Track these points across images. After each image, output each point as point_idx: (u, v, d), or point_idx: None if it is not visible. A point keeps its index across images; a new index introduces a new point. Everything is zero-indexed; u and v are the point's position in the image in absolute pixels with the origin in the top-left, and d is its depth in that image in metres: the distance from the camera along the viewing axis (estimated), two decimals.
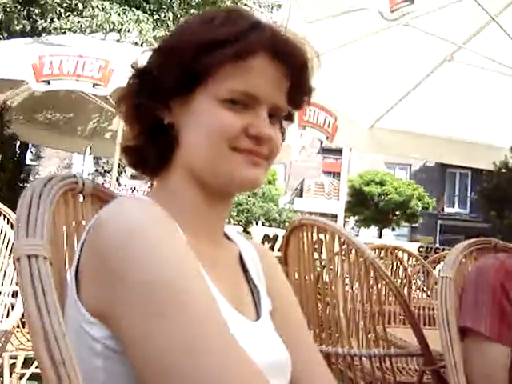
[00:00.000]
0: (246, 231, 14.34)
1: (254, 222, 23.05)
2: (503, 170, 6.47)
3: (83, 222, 1.07)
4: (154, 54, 1.03)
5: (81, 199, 1.09)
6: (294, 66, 1.00)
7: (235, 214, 22.64)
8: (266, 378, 0.79)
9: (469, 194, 33.63)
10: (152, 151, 1.02)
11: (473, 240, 1.84)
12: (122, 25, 9.32)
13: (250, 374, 0.77)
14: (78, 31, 9.24)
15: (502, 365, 1.47)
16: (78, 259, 0.88)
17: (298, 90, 1.04)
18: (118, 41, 7.76)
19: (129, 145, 1.05)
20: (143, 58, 1.04)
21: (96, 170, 17.55)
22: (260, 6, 13.45)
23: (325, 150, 32.61)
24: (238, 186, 1.01)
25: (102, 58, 5.10)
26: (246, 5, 12.05)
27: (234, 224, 20.56)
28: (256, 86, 0.97)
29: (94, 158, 17.38)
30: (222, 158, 0.96)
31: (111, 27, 9.28)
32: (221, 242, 1.08)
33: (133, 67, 1.04)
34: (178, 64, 0.97)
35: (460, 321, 1.54)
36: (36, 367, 3.11)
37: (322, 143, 27.01)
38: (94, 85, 5.10)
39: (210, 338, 0.76)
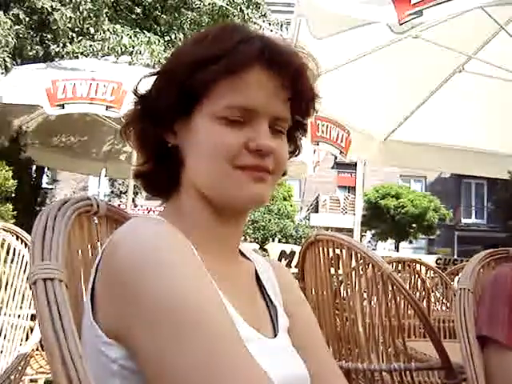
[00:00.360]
0: (262, 248, 14.32)
1: (271, 239, 23.02)
2: None
3: (98, 244, 1.07)
4: (155, 79, 1.03)
5: (96, 221, 1.09)
6: (289, 75, 0.98)
7: (251, 231, 22.62)
8: None
9: (485, 204, 33.40)
10: (161, 174, 1.03)
11: (490, 250, 1.83)
12: (133, 47, 9.43)
13: None
14: (91, 55, 9.36)
15: None
16: (94, 281, 0.88)
17: (299, 97, 1.02)
18: (129, 63, 7.85)
19: (140, 170, 1.06)
20: (144, 83, 1.05)
21: (112, 192, 17.66)
22: (270, 24, 13.52)
23: (339, 165, 32.55)
24: (244, 204, 1.00)
25: (114, 81, 5.16)
26: (255, 23, 12.13)
27: (251, 241, 20.56)
28: (252, 99, 0.96)
29: (109, 180, 17.50)
30: (225, 177, 0.96)
31: (123, 50, 9.39)
32: (236, 260, 1.08)
33: (134, 94, 1.04)
34: (174, 86, 0.97)
35: (477, 330, 1.53)
36: None
37: (335, 158, 26.97)
38: (107, 107, 5.16)
39: (226, 356, 0.76)
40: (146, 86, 1.04)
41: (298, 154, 1.13)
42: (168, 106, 0.98)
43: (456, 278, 4.60)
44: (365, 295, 2.34)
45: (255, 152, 0.96)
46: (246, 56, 0.95)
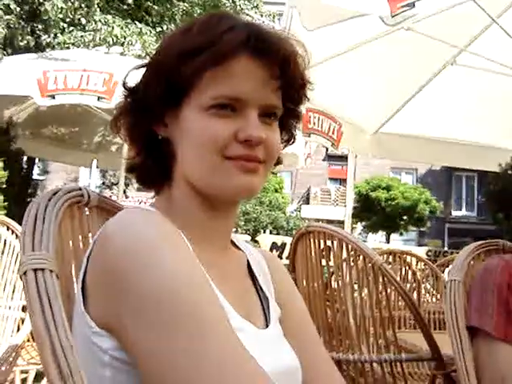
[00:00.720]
0: (253, 240, 14.34)
1: (262, 231, 23.03)
2: (509, 172, 6.44)
3: (89, 235, 1.07)
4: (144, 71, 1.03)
5: (87, 212, 1.09)
6: (278, 62, 0.96)
7: (243, 223, 22.63)
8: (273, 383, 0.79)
9: (476, 197, 33.52)
10: (153, 167, 1.02)
11: (480, 242, 1.83)
12: (124, 38, 9.39)
13: (257, 379, 0.77)
14: (82, 45, 9.32)
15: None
16: (85, 272, 0.88)
17: (290, 85, 1.00)
18: (121, 54, 7.81)
19: (132, 163, 1.05)
20: (133, 75, 1.04)
21: (103, 183, 17.64)
22: (262, 16, 13.49)
23: (330, 157, 32.58)
24: (233, 195, 0.99)
25: (106, 72, 5.14)
26: (247, 15, 12.10)
27: (242, 233, 20.56)
28: (240, 89, 0.95)
29: (100, 171, 17.47)
30: (215, 169, 0.95)
31: (114, 40, 9.35)
32: (228, 250, 1.08)
33: (123, 86, 1.04)
34: (162, 78, 0.97)
35: (467, 321, 1.54)
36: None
37: (327, 150, 27.00)
38: (98, 98, 5.14)
39: (217, 346, 0.76)
40: (135, 78, 1.04)
41: (293, 142, 1.13)
42: (157, 99, 0.98)
43: (446, 270, 4.62)
44: (356, 287, 2.34)
45: (245, 142, 0.95)
46: (231, 45, 0.94)
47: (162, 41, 1.07)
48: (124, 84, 1.04)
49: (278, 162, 1.05)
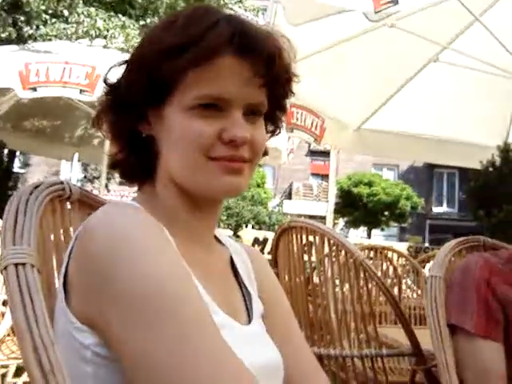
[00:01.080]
0: (236, 235, 14.34)
1: (244, 226, 23.04)
2: (490, 169, 6.50)
3: (71, 229, 1.06)
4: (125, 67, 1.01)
5: (68, 206, 1.08)
6: (262, 60, 0.94)
7: (225, 217, 22.63)
8: (256, 381, 0.79)
9: (457, 194, 33.75)
10: (136, 163, 1.01)
11: (461, 239, 1.85)
12: (107, 31, 9.33)
13: (241, 377, 0.77)
14: (64, 38, 9.24)
15: (496, 360, 1.47)
16: (67, 266, 0.87)
17: (275, 81, 0.98)
18: (104, 47, 7.75)
19: (114, 159, 1.04)
20: (114, 71, 1.03)
21: (85, 177, 17.53)
22: (246, 10, 13.45)
23: (313, 153, 32.62)
24: (218, 195, 0.99)
25: (88, 65, 5.09)
26: (231, 9, 12.06)
27: (224, 228, 20.56)
28: (224, 89, 0.93)
29: (82, 165, 17.34)
30: (199, 169, 0.94)
31: (97, 33, 9.29)
32: (211, 246, 1.08)
33: (104, 83, 1.02)
34: (144, 76, 0.95)
35: (447, 318, 1.55)
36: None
37: (309, 146, 27.03)
38: (80, 91, 5.10)
39: (200, 343, 0.76)
40: (118, 73, 1.02)
41: (279, 133, 1.12)
42: (139, 97, 0.96)
43: (427, 266, 4.65)
44: (337, 282, 2.35)
45: (229, 143, 0.94)
46: (214, 44, 0.91)
47: (143, 35, 1.04)
48: (105, 80, 1.02)
49: (264, 153, 1.03)
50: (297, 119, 5.23)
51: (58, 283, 0.90)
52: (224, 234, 1.19)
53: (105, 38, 8.99)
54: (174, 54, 0.92)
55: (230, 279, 1.09)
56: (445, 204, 34.71)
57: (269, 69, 0.95)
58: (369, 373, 2.22)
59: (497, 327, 1.50)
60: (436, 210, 34.23)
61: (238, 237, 12.86)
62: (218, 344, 0.78)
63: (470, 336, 1.49)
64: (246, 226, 22.80)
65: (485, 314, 1.51)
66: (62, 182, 1.03)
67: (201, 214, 1.02)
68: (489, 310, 1.51)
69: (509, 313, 1.51)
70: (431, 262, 1.81)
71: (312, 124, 5.34)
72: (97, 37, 9.01)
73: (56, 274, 0.96)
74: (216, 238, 1.11)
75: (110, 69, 1.05)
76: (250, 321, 1.04)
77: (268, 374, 0.96)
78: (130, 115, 0.98)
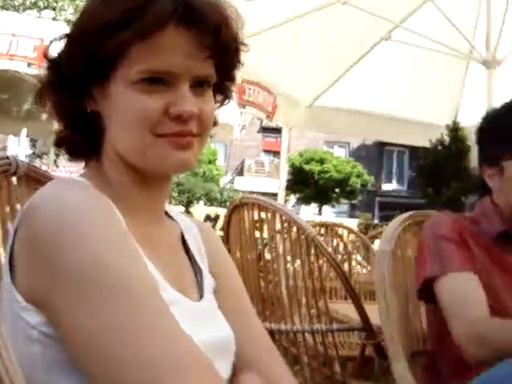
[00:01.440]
0: (187, 211, 14.30)
1: (196, 202, 23.00)
2: (439, 148, 6.61)
3: (18, 205, 1.03)
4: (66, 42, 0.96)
5: (15, 182, 1.05)
6: (208, 31, 0.91)
7: (176, 194, 22.53)
8: (206, 358, 0.79)
9: (406, 171, 34.28)
10: (82, 140, 0.98)
11: (410, 213, 1.87)
12: (56, 2, 9.10)
13: (192, 355, 0.77)
14: (11, 9, 8.97)
15: (475, 286, 1.48)
16: (13, 243, 0.85)
17: (223, 51, 0.96)
18: (53, 19, 7.57)
19: (60, 136, 1.00)
20: (59, 44, 0.98)
21: (33, 153, 17.16)
22: None
23: (265, 129, 32.67)
24: (167, 171, 0.98)
25: (36, 37, 4.97)
26: None
27: (176, 204, 20.48)
28: (169, 62, 0.90)
29: (30, 140, 16.96)
30: (147, 147, 0.92)
31: (45, 4, 9.05)
32: (161, 222, 1.06)
33: (46, 58, 0.97)
34: (84, 51, 0.91)
35: (428, 273, 1.54)
36: None
37: (261, 122, 27.04)
38: (28, 64, 4.98)
39: (147, 319, 0.75)
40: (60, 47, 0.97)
41: (228, 102, 1.10)
42: (81, 73, 0.92)
43: (376, 242, 4.72)
44: (288, 258, 2.37)
45: (177, 118, 0.91)
46: (157, 17, 0.88)
47: (82, 8, 0.99)
48: (46, 55, 0.97)
49: (214, 123, 1.01)
50: (249, 95, 5.23)
51: (4, 260, 0.87)
52: (175, 210, 1.17)
53: (54, 9, 8.78)
54: (115, 29, 0.88)
55: (181, 255, 1.07)
56: (394, 181, 35.27)
57: (216, 39, 0.93)
58: (319, 347, 2.24)
59: (474, 261, 1.52)
60: (386, 187, 34.77)
61: (189, 213, 12.84)
62: (168, 322, 0.78)
63: (450, 275, 1.50)
64: (198, 203, 22.77)
65: (461, 251, 1.53)
66: (7, 157, 1.01)
67: (150, 190, 1.00)
68: (464, 247, 1.54)
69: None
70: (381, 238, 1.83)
71: (264, 100, 5.34)
72: (45, 8, 8.78)
73: (2, 251, 0.93)
74: (167, 213, 1.10)
75: (52, 42, 0.99)
76: (201, 297, 1.03)
77: (219, 349, 0.96)
78: (73, 92, 0.94)
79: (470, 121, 6.16)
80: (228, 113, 6.10)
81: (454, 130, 6.70)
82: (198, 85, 0.94)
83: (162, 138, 0.92)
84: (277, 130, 29.70)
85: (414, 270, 1.67)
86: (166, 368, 0.73)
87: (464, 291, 1.48)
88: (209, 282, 1.07)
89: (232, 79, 1.06)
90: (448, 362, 1.62)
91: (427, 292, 1.56)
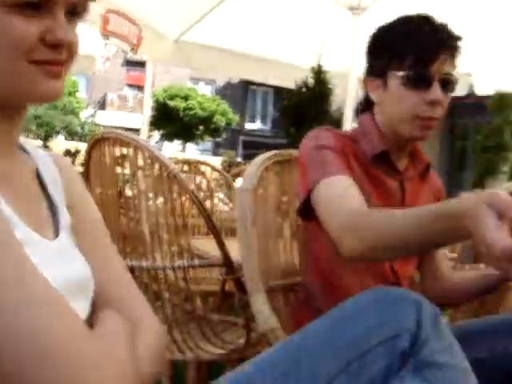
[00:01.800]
0: (45, 146, 13.78)
1: (55, 136, 22.18)
2: (303, 89, 6.77)
3: None
4: None
5: None
6: None
7: (34, 127, 21.56)
8: (62, 299, 0.76)
9: (270, 111, 34.83)
10: None
11: (273, 152, 1.88)
12: None
13: (49, 298, 0.74)
14: None
15: (351, 183, 1.47)
16: None
17: None
18: None
19: None
20: None
21: None
22: None
23: (129, 63, 31.79)
24: (37, 100, 0.93)
25: None
26: None
27: (34, 138, 19.65)
28: None
29: None
30: (19, 73, 0.87)
31: None
32: (14, 156, 0.99)
33: None
34: None
35: (311, 185, 1.50)
36: None
37: (126, 55, 26.26)
38: None
39: (4, 264, 0.71)
40: None
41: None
42: None
43: (239, 180, 4.78)
44: (151, 195, 2.34)
45: (52, 46, 0.87)
46: None
47: None
48: None
49: None
50: (113, 26, 5.03)
51: None
52: (32, 143, 1.11)
53: None
54: None
55: (36, 190, 1.02)
56: (258, 121, 35.78)
57: None
58: (181, 283, 2.26)
59: (354, 174, 1.51)
60: (250, 126, 35.21)
61: (47, 147, 12.38)
62: (22, 265, 0.74)
63: (329, 179, 1.47)
64: (57, 137, 21.98)
65: (342, 161, 1.51)
66: None
67: (6, 120, 0.93)
68: (345, 160, 1.53)
69: None
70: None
71: (129, 32, 5.16)
72: None
73: None
74: (21, 147, 1.04)
75: None
76: (57, 235, 0.99)
77: (77, 288, 0.93)
78: None
79: (334, 65, 6.34)
80: (91, 43, 5.85)
81: (318, 72, 6.87)
82: (70, 13, 0.90)
83: (34, 64, 0.87)
84: (141, 64, 29.02)
85: (295, 188, 1.65)
86: (20, 311, 0.70)
87: (340, 190, 1.45)
88: (65, 219, 1.03)
89: (85, 8, 1.00)
90: (320, 285, 1.65)
91: (307, 207, 1.53)
